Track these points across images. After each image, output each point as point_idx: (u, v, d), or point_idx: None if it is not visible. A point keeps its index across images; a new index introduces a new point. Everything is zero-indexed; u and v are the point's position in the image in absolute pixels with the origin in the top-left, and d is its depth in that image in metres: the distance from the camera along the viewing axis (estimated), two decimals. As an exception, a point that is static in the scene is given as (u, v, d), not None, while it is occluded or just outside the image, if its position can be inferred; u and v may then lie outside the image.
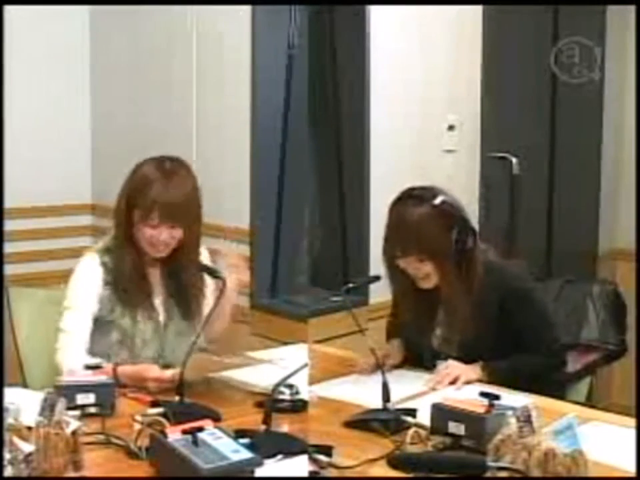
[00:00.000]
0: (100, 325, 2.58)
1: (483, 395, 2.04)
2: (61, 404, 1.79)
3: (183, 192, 2.55)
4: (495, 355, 2.53)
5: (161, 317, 2.64)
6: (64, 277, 2.73)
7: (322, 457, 1.88)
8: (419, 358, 2.66)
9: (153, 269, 2.64)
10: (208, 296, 2.67)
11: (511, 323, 2.55)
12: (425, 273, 2.53)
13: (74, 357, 2.44)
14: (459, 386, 2.44)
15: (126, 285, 2.57)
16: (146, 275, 2.62)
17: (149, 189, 2.52)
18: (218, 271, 2.59)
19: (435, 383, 2.46)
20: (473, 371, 2.50)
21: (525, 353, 2.56)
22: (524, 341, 2.56)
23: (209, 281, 2.66)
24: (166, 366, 2.47)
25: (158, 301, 2.64)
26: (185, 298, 2.64)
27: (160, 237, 2.54)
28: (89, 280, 2.59)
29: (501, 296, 2.55)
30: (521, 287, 2.60)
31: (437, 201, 2.51)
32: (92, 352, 2.55)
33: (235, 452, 1.81)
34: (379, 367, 2.34)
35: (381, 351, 2.61)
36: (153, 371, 2.43)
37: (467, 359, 2.53)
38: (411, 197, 2.54)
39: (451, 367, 2.50)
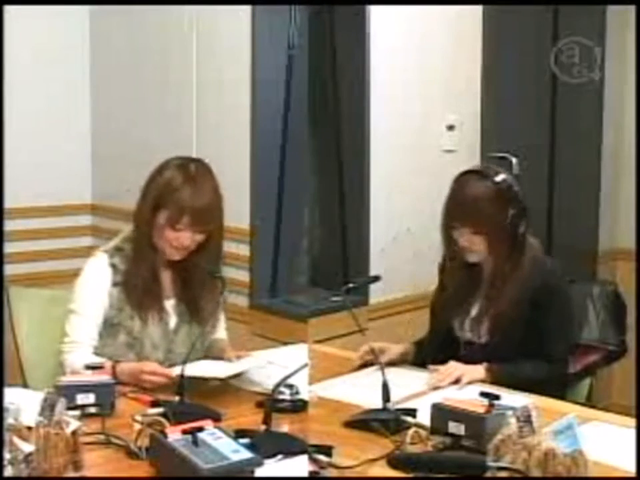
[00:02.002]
0: (108, 326, 2.58)
1: (483, 395, 2.04)
2: (61, 404, 1.79)
3: (210, 197, 2.54)
4: (518, 351, 2.56)
5: (172, 321, 2.63)
6: (64, 276, 2.73)
7: (322, 457, 1.88)
8: (443, 348, 2.67)
9: (165, 272, 2.63)
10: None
11: (538, 319, 2.58)
12: (476, 247, 2.60)
13: (81, 363, 2.42)
14: (461, 386, 2.45)
15: (139, 287, 2.56)
16: (159, 277, 2.61)
17: (178, 194, 2.50)
18: (217, 271, 2.59)
19: (437, 381, 2.46)
20: (477, 371, 2.50)
21: (536, 357, 2.57)
22: (540, 343, 2.57)
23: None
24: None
25: (169, 305, 2.63)
26: (197, 301, 2.63)
27: (184, 241, 2.53)
28: (97, 282, 2.58)
29: (537, 291, 2.59)
30: (558, 287, 2.63)
31: (499, 178, 2.59)
32: (100, 355, 2.54)
33: (235, 452, 1.81)
34: (374, 364, 2.34)
35: (377, 343, 2.64)
36: (150, 365, 2.43)
37: (491, 349, 2.57)
38: (475, 172, 2.64)
39: (453, 366, 2.51)
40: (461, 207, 2.60)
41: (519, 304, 2.58)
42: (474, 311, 2.68)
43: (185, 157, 2.63)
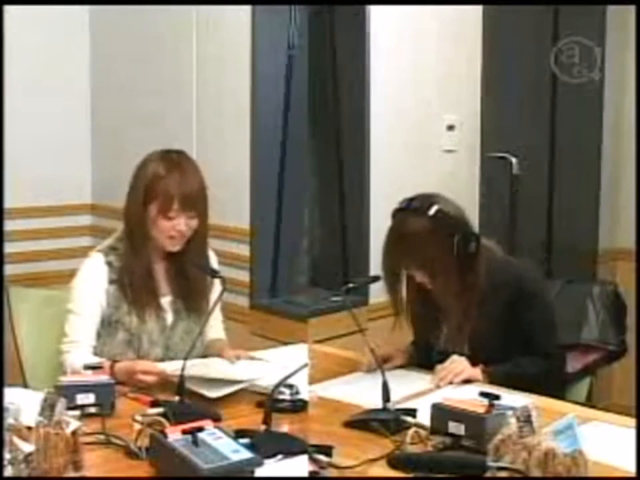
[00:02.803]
0: (106, 325, 2.58)
1: (483, 395, 2.04)
2: (61, 404, 1.79)
3: (197, 180, 2.59)
4: (504, 354, 2.54)
5: (169, 317, 2.64)
6: (64, 276, 2.73)
7: (322, 457, 1.88)
8: (428, 357, 2.66)
9: (160, 268, 2.64)
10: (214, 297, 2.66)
11: (518, 322, 2.56)
12: (430, 279, 2.54)
13: (81, 363, 2.42)
14: (460, 379, 2.46)
15: (135, 283, 2.57)
16: (153, 273, 2.62)
17: (165, 182, 2.54)
18: (217, 271, 2.60)
19: (439, 380, 2.47)
20: (475, 372, 2.51)
21: (527, 354, 2.56)
22: (527, 342, 2.56)
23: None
24: None
25: (165, 301, 2.64)
26: (192, 297, 2.64)
27: (179, 227, 2.55)
28: (93, 281, 2.59)
29: (510, 295, 2.56)
30: (531, 286, 2.60)
31: (432, 211, 2.49)
32: (99, 353, 2.55)
33: (235, 452, 1.81)
34: (379, 367, 2.34)
35: (385, 349, 2.64)
36: (143, 364, 2.43)
37: (475, 357, 2.54)
38: (407, 210, 2.52)
39: (455, 362, 2.52)
40: (400, 250, 2.51)
41: (492, 312, 2.55)
42: (445, 330, 2.65)
43: (166, 149, 2.65)
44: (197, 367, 2.33)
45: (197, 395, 2.30)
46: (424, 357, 2.68)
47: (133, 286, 2.58)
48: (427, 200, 2.53)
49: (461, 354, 2.56)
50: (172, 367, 2.35)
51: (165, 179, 2.55)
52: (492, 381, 2.47)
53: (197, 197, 2.57)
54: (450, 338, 2.64)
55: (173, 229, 2.56)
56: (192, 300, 2.64)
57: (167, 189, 2.54)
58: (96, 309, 2.58)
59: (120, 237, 2.64)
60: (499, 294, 2.55)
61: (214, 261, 2.73)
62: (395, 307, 2.63)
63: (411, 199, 2.54)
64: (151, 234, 2.58)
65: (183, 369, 2.21)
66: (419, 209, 2.50)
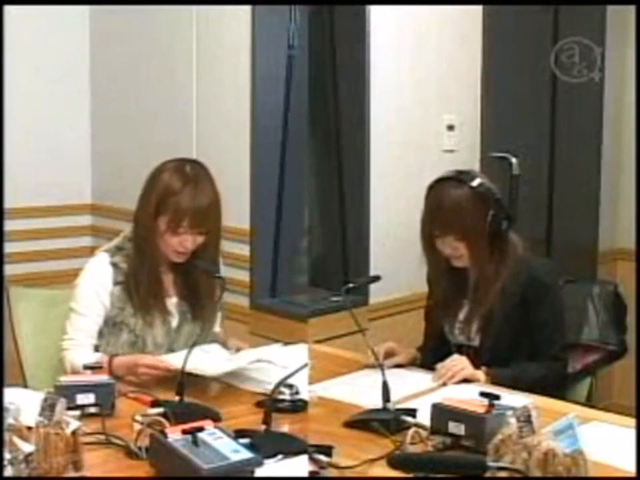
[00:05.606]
0: (110, 325, 2.58)
1: (483, 395, 2.04)
2: (61, 404, 1.79)
3: (209, 198, 2.54)
4: (511, 354, 2.57)
5: (174, 320, 2.63)
6: (64, 276, 2.73)
7: (322, 457, 1.88)
8: (438, 352, 2.67)
9: (166, 271, 2.64)
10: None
11: (528, 322, 2.58)
12: (460, 252, 2.60)
13: (81, 360, 2.43)
14: (459, 378, 2.47)
15: (141, 287, 2.56)
16: (160, 277, 2.61)
17: (177, 198, 2.50)
18: (217, 271, 2.60)
19: (440, 376, 2.48)
20: (477, 372, 2.51)
21: (534, 356, 2.58)
22: (536, 343, 2.57)
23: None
24: None
25: (171, 303, 2.63)
26: (199, 300, 2.63)
27: (186, 244, 2.53)
28: (98, 281, 2.58)
29: (525, 288, 2.59)
30: (546, 282, 2.63)
31: (475, 183, 2.59)
32: (103, 354, 2.55)
33: (235, 452, 1.81)
34: (380, 365, 2.34)
35: (389, 344, 2.66)
36: (147, 358, 2.43)
37: (483, 353, 2.58)
38: (450, 179, 2.61)
39: (455, 360, 2.53)
40: (442, 215, 2.59)
41: (507, 303, 2.59)
42: (462, 314, 2.69)
43: (180, 159, 2.62)
44: (198, 362, 2.34)
45: (198, 390, 2.30)
46: (432, 355, 2.68)
47: (139, 289, 2.57)
48: (468, 174, 2.64)
49: (470, 347, 2.60)
50: (176, 360, 2.35)
51: (178, 195, 2.50)
52: (495, 382, 2.47)
53: (208, 214, 2.53)
54: (463, 327, 2.67)
55: (180, 244, 2.54)
56: (198, 303, 2.63)
57: (178, 206, 2.50)
58: (98, 309, 2.57)
59: (128, 236, 2.63)
60: (515, 286, 2.59)
61: (221, 266, 2.72)
62: (431, 271, 2.72)
63: (452, 172, 2.64)
64: (158, 245, 2.56)
65: (183, 366, 2.21)
66: (462, 179, 2.60)
